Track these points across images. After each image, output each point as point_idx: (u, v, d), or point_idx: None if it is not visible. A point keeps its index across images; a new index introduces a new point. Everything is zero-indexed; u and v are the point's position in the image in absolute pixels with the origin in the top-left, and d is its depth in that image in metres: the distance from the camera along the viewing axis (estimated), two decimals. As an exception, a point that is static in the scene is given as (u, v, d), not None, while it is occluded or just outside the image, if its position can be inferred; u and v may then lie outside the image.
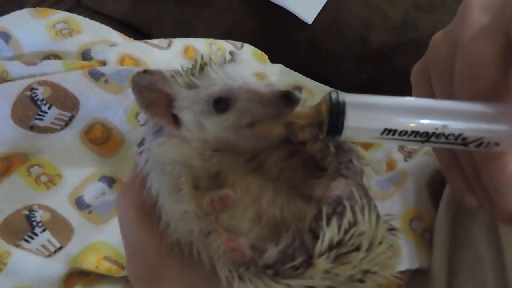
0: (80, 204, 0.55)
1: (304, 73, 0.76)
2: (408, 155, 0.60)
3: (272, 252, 0.30)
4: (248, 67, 0.36)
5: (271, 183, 0.33)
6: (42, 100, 0.54)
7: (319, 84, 0.73)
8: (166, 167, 0.33)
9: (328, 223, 0.29)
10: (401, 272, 0.43)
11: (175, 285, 0.33)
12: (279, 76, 0.73)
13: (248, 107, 0.31)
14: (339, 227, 0.29)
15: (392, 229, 0.34)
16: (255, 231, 0.31)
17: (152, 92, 0.33)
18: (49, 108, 0.54)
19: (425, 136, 0.30)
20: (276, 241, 0.30)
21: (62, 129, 0.55)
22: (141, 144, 0.36)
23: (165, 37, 0.67)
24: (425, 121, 0.30)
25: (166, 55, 0.64)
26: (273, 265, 0.29)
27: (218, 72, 0.33)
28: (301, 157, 0.33)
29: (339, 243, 0.29)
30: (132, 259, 0.36)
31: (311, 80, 0.74)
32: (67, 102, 0.54)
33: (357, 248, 0.30)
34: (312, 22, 0.81)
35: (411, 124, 0.30)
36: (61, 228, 0.52)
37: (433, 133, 0.30)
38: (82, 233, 0.53)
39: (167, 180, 0.32)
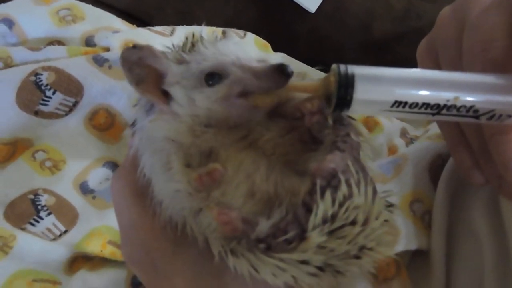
0: (84, 189, 0.55)
1: (306, 62, 0.76)
2: (410, 141, 0.60)
3: (264, 226, 0.29)
4: (241, 46, 0.35)
5: (265, 159, 0.33)
6: (47, 85, 0.54)
7: (322, 73, 0.73)
8: (157, 145, 0.32)
9: (322, 196, 0.28)
10: (401, 254, 0.43)
11: (169, 265, 0.34)
12: None
13: (240, 77, 0.31)
14: (333, 200, 0.29)
15: (390, 205, 0.33)
16: (248, 206, 0.31)
17: (142, 68, 0.33)
18: (53, 94, 0.54)
19: (436, 109, 0.29)
20: (269, 216, 0.30)
21: (66, 114, 0.56)
22: (133, 124, 0.36)
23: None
24: (436, 93, 0.29)
25: (170, 42, 0.64)
26: (265, 239, 0.29)
27: (209, 48, 0.33)
28: (298, 133, 0.33)
29: (334, 217, 0.29)
30: (126, 240, 0.36)
31: (314, 69, 0.74)
32: (71, 87, 0.54)
33: (353, 223, 0.29)
34: (315, 11, 0.81)
35: (422, 95, 0.29)
36: (65, 213, 0.52)
37: (444, 105, 0.29)
38: (86, 218, 0.53)
39: (159, 158, 0.32)
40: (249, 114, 0.32)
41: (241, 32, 0.71)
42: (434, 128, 0.55)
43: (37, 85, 0.54)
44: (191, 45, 0.34)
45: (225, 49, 0.33)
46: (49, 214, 0.51)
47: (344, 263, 0.30)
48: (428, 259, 0.43)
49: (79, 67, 0.55)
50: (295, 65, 0.74)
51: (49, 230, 0.51)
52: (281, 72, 0.30)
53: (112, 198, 0.37)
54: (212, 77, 0.32)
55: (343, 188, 0.29)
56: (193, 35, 0.35)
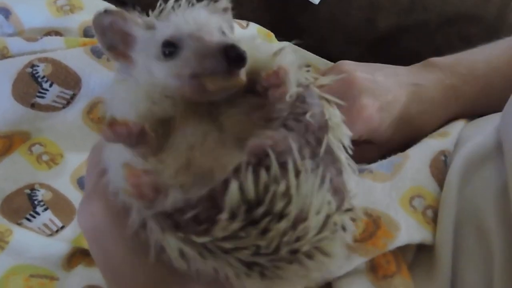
0: (82, 184, 0.54)
1: (309, 54, 0.75)
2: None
3: (173, 198, 0.26)
4: (210, 13, 0.33)
5: (217, 134, 0.30)
6: (43, 77, 0.52)
7: (328, 61, 0.72)
8: (115, 106, 0.31)
9: (246, 175, 0.25)
10: (403, 250, 0.43)
11: None
12: None
13: (189, 56, 0.29)
14: (256, 181, 0.25)
15: (348, 210, 0.30)
16: (179, 178, 0.28)
17: (114, 32, 0.33)
18: (50, 86, 0.53)
19: None
20: (189, 191, 0.27)
21: (63, 107, 0.54)
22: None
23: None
24: None
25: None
26: (173, 214, 0.26)
27: (178, 15, 0.32)
28: (265, 111, 0.30)
29: (257, 203, 0.25)
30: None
31: (320, 58, 0.72)
32: (69, 79, 0.53)
33: (281, 216, 0.25)
34: (318, 3, 0.80)
35: None
36: (62, 208, 0.51)
37: None
38: (83, 213, 0.52)
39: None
40: (202, 95, 0.30)
41: (243, 22, 0.70)
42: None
43: (34, 77, 0.52)
44: (167, 10, 0.33)
45: (191, 16, 0.32)
46: (45, 209, 0.50)
47: (273, 266, 0.27)
48: (432, 256, 0.43)
49: (76, 58, 0.54)
50: (300, 54, 0.72)
51: (45, 225, 0.50)
52: (225, 55, 0.27)
53: (83, 230, 0.35)
54: (168, 47, 0.31)
55: (274, 170, 0.25)
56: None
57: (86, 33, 0.60)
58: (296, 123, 0.27)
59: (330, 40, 0.83)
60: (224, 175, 0.26)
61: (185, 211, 0.26)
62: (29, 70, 0.53)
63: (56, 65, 0.53)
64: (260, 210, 0.25)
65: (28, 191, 0.51)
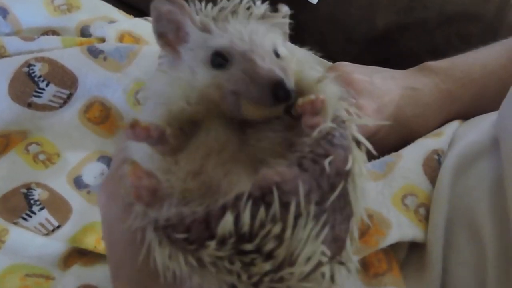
0: (79, 183, 0.54)
1: (308, 54, 0.74)
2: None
3: (168, 210, 0.26)
4: (271, 31, 0.33)
5: (238, 146, 0.30)
6: (40, 76, 0.52)
7: (327, 61, 0.72)
8: (152, 95, 0.32)
9: (245, 207, 0.24)
10: (394, 249, 0.43)
11: None
12: None
13: (235, 76, 0.29)
14: (253, 216, 0.24)
15: (342, 263, 0.29)
16: (187, 183, 0.28)
17: (169, 21, 0.33)
18: (47, 85, 0.53)
19: None
20: (192, 204, 0.27)
21: (60, 107, 0.54)
22: None
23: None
24: None
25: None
26: (166, 227, 0.26)
27: (235, 25, 0.32)
28: (294, 133, 0.30)
29: (249, 237, 0.25)
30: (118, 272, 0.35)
31: (319, 57, 0.72)
32: (65, 79, 0.53)
33: (268, 256, 0.25)
34: (317, 2, 0.79)
35: None
36: (59, 207, 0.51)
37: None
38: (80, 213, 0.52)
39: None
40: (237, 113, 0.30)
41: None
42: None
43: (30, 76, 0.52)
44: (225, 14, 0.33)
45: (247, 32, 0.31)
46: (41, 209, 0.50)
47: None
48: (423, 254, 0.43)
49: (73, 58, 0.54)
50: (299, 52, 0.71)
51: (42, 225, 0.50)
52: (274, 92, 0.27)
53: (101, 214, 0.36)
54: (218, 57, 0.31)
55: (274, 209, 0.24)
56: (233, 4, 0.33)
57: (83, 33, 0.60)
58: (312, 164, 0.26)
59: (329, 39, 0.83)
60: (224, 199, 0.26)
61: (177, 228, 0.26)
62: (26, 69, 0.53)
63: (53, 64, 0.53)
64: (250, 246, 0.25)
65: (24, 190, 0.51)
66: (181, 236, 0.25)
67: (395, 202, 0.45)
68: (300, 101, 0.28)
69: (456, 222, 0.42)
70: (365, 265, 0.42)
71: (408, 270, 0.43)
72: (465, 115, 0.55)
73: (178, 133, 0.30)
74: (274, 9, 0.35)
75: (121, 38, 0.58)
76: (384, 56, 0.84)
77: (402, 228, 0.43)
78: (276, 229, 0.25)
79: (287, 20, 0.36)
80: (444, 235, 0.42)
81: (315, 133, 0.27)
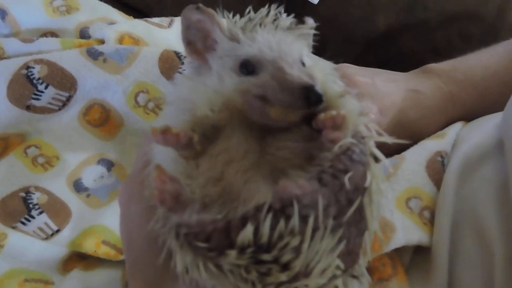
0: (78, 187, 0.53)
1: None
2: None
3: (190, 216, 0.27)
4: (297, 41, 0.34)
5: (259, 154, 0.30)
6: (39, 79, 0.52)
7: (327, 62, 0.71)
8: (177, 101, 0.33)
9: (265, 218, 0.25)
10: (400, 253, 0.43)
11: None
12: None
13: (265, 81, 0.30)
14: (273, 227, 0.25)
15: (355, 276, 0.29)
16: (208, 189, 0.29)
17: (198, 30, 0.34)
18: (45, 88, 0.52)
19: None
20: (209, 210, 0.27)
21: (59, 109, 0.54)
22: None
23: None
24: None
25: (168, 34, 0.62)
26: (187, 234, 0.26)
27: (263, 35, 0.32)
28: (314, 146, 0.30)
29: (267, 247, 0.25)
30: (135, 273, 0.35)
31: (319, 58, 0.71)
32: (64, 81, 0.52)
33: (285, 266, 0.25)
34: (317, 2, 0.79)
35: None
36: (58, 211, 0.51)
37: None
38: (80, 217, 0.52)
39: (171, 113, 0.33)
40: (261, 119, 0.31)
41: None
42: None
43: (29, 78, 0.52)
44: (253, 24, 0.33)
45: (276, 42, 0.32)
46: (41, 213, 0.50)
47: None
48: (429, 258, 0.43)
49: (72, 60, 0.53)
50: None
51: (40, 229, 0.49)
52: (306, 96, 0.28)
53: (120, 212, 0.36)
54: (246, 66, 0.31)
55: (294, 222, 0.25)
56: (260, 14, 0.34)
57: (82, 34, 0.60)
58: (332, 179, 0.26)
59: (329, 39, 0.82)
60: (245, 209, 0.26)
61: (199, 236, 0.26)
62: (24, 71, 0.52)
63: (52, 66, 0.52)
64: (268, 256, 0.25)
65: (23, 194, 0.50)
66: (202, 244, 0.26)
67: (399, 205, 0.44)
68: (322, 116, 0.29)
69: (462, 225, 0.42)
70: (369, 270, 0.41)
71: (413, 275, 0.43)
72: (468, 117, 0.55)
73: (202, 139, 0.30)
74: (300, 21, 0.36)
75: (120, 40, 0.57)
76: (384, 57, 0.84)
77: (406, 232, 0.42)
78: (295, 241, 0.25)
79: (312, 32, 0.37)
80: (450, 239, 0.42)
81: (336, 148, 0.27)
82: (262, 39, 0.32)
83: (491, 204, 0.41)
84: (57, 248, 0.50)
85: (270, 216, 0.25)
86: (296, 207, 0.25)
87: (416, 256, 0.44)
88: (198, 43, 0.34)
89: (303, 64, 0.33)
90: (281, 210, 0.25)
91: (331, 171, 0.27)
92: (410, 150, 0.50)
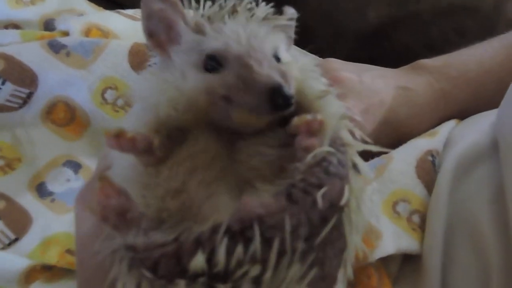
0: (42, 191, 0.50)
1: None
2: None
3: (137, 237, 0.23)
4: (275, 37, 0.30)
5: (228, 162, 0.27)
6: None
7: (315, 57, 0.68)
8: (141, 98, 0.30)
9: (221, 241, 0.22)
10: (386, 262, 0.39)
11: None
12: None
13: (228, 81, 0.26)
14: (229, 253, 0.22)
15: None
16: (164, 203, 0.26)
17: (160, 20, 0.30)
18: (2, 83, 0.48)
19: None
20: (168, 229, 0.24)
21: (20, 107, 0.50)
22: None
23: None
24: None
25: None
26: (133, 258, 0.23)
27: (232, 26, 0.29)
28: (286, 155, 0.27)
29: (225, 276, 0.22)
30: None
31: (307, 53, 0.68)
32: (23, 76, 0.49)
33: None
34: (305, -6, 0.76)
35: None
36: (17, 218, 0.47)
37: None
38: (42, 224, 0.48)
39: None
40: (225, 121, 0.27)
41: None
42: None
43: None
44: (222, 14, 0.30)
45: (245, 34, 0.28)
46: None
47: None
48: (419, 267, 0.39)
49: (31, 53, 0.49)
50: (304, 59, 0.68)
51: (-4, 239, 0.46)
52: (271, 98, 0.25)
53: (75, 224, 0.33)
54: (211, 61, 0.28)
55: (254, 247, 0.22)
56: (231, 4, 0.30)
57: (47, 26, 0.56)
58: (303, 195, 0.23)
59: (317, 33, 0.79)
60: (199, 230, 0.23)
61: (145, 262, 0.23)
62: (-21, 66, 0.48)
63: (9, 60, 0.49)
64: (223, 287, 0.22)
65: None
66: (148, 273, 0.23)
67: (385, 209, 0.41)
68: (296, 120, 0.26)
69: (456, 231, 0.39)
70: (351, 283, 0.38)
71: (401, 286, 0.40)
72: (462, 115, 0.52)
73: (166, 142, 0.27)
74: (280, 12, 0.33)
75: (87, 32, 0.53)
76: (376, 52, 0.82)
77: (394, 239, 0.39)
78: (255, 270, 0.22)
79: (293, 24, 0.34)
80: (442, 247, 0.39)
81: (309, 158, 0.24)
82: (230, 31, 0.29)
83: (487, 209, 0.38)
84: (16, 258, 0.46)
85: (226, 239, 0.22)
86: (257, 229, 0.21)
87: (404, 266, 0.41)
88: (162, 35, 0.31)
89: (278, 59, 0.29)
90: (240, 233, 0.22)
91: (302, 185, 0.23)
92: (399, 149, 0.47)
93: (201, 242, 0.22)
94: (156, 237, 0.23)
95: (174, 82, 0.28)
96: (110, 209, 0.24)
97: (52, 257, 0.46)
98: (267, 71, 0.26)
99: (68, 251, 0.47)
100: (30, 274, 0.48)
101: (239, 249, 0.22)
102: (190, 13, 0.31)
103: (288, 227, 0.22)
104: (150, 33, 0.31)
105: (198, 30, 0.30)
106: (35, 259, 0.46)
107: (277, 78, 0.25)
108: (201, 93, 0.27)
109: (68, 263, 0.47)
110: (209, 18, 0.30)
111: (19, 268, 0.47)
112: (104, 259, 0.26)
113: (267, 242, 0.22)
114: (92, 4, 0.61)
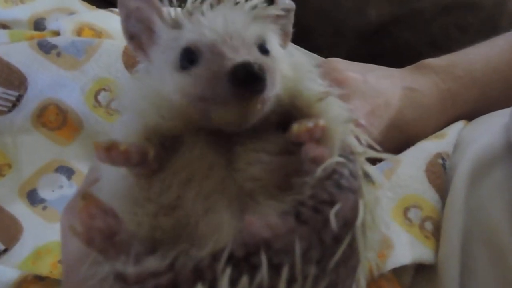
0: (33, 198, 0.48)
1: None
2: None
3: (126, 265, 0.21)
4: (261, 27, 0.27)
5: (225, 171, 0.24)
6: None
7: (316, 55, 0.67)
8: (126, 109, 0.27)
9: (223, 270, 0.19)
10: (399, 272, 0.37)
11: None
12: None
13: (200, 75, 0.23)
14: (233, 281, 0.19)
15: None
16: (157, 221, 0.23)
17: (139, 20, 0.28)
18: (-10, 86, 0.47)
19: None
20: (163, 253, 0.21)
21: (9, 111, 0.48)
22: None
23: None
24: None
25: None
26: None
27: (210, 16, 0.26)
28: (293, 161, 0.24)
29: None
30: None
31: (307, 51, 0.67)
32: (12, 78, 0.47)
33: None
34: (305, -8, 0.74)
35: None
36: (6, 228, 0.45)
37: None
38: (33, 233, 0.46)
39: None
40: (210, 124, 0.25)
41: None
42: None
43: None
44: (202, 5, 0.27)
45: (221, 21, 0.25)
46: None
47: None
48: (434, 278, 0.37)
49: (20, 54, 0.47)
50: (299, 57, 0.66)
51: (-17, 250, 0.43)
52: (236, 80, 0.22)
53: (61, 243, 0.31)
54: (188, 55, 0.25)
55: (261, 275, 0.19)
56: None
57: (37, 26, 0.55)
58: (314, 214, 0.21)
59: (317, 32, 0.78)
60: (198, 255, 0.20)
61: None
62: (-34, 68, 0.46)
63: None
64: None
65: None
66: None
67: (396, 216, 0.39)
68: (296, 127, 0.23)
69: (473, 239, 0.37)
70: None
71: None
72: (469, 116, 0.51)
73: (160, 152, 0.24)
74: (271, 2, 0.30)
75: (79, 32, 0.51)
76: (378, 50, 0.81)
77: (406, 248, 0.37)
78: None
79: (290, 16, 0.31)
80: (460, 256, 0.37)
81: (318, 171, 0.21)
82: (207, 21, 0.26)
83: (505, 216, 0.36)
84: (6, 270, 0.44)
85: (230, 268, 0.19)
86: (264, 256, 0.19)
87: (417, 276, 0.38)
88: (142, 37, 0.29)
89: (266, 52, 0.26)
90: (244, 259, 0.19)
91: (312, 202, 0.21)
92: (407, 152, 0.45)
93: (200, 271, 0.20)
94: (149, 263, 0.21)
95: (154, 87, 0.26)
96: (96, 232, 0.21)
97: (45, 268, 0.44)
98: (242, 58, 0.23)
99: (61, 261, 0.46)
100: (22, 286, 0.46)
101: (244, 280, 0.19)
102: (168, 10, 0.29)
103: (298, 251, 0.20)
104: (130, 35, 0.29)
105: (175, 25, 0.27)
106: (27, 270, 0.44)
107: (245, 58, 0.23)
108: (178, 96, 0.25)
109: (61, 273, 0.45)
110: (187, 11, 0.27)
111: (9, 279, 0.45)
112: (92, 284, 0.23)
113: (275, 269, 0.19)
114: (85, 3, 0.59)
